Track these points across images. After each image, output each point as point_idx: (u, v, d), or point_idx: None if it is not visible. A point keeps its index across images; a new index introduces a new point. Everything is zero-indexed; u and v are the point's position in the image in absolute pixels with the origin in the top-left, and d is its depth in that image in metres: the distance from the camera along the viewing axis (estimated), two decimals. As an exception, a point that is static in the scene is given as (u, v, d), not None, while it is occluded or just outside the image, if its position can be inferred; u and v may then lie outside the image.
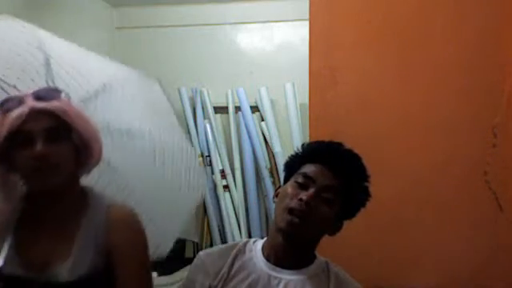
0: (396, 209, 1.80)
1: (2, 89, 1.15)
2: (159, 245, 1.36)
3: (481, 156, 1.73)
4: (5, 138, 0.99)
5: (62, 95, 1.07)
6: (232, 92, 3.38)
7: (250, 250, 1.15)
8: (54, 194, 1.05)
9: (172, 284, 2.47)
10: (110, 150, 1.19)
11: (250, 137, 3.31)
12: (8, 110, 1.01)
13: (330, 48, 1.85)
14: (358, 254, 1.80)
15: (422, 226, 1.80)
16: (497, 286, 1.74)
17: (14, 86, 1.15)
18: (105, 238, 1.05)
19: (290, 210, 1.05)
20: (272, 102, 3.33)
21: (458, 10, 1.76)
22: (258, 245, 1.16)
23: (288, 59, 3.38)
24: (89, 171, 1.13)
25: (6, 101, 1.03)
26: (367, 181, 1.15)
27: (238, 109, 3.37)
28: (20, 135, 1.00)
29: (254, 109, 3.34)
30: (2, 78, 1.16)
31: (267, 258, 1.12)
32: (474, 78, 1.75)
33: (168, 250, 1.40)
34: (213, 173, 3.36)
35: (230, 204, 3.37)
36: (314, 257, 1.16)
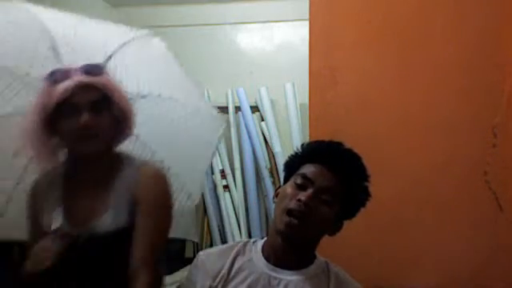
0: (396, 209, 1.80)
1: (17, 78, 1.27)
2: (190, 194, 1.53)
3: (481, 156, 1.73)
4: (52, 108, 1.09)
5: (105, 70, 1.17)
6: (232, 92, 3.38)
7: (250, 251, 1.15)
8: (93, 159, 1.16)
9: (172, 284, 2.46)
10: None
11: (250, 137, 3.31)
12: (55, 82, 1.10)
13: (330, 48, 1.85)
14: (358, 253, 1.80)
15: (422, 226, 1.80)
16: (497, 286, 1.74)
17: (27, 74, 1.26)
18: (135, 192, 1.15)
19: (289, 211, 1.05)
20: (272, 102, 3.33)
21: (458, 10, 1.76)
22: (257, 245, 1.16)
23: (288, 59, 3.38)
24: (124, 140, 1.24)
25: (54, 73, 1.12)
26: (367, 180, 1.15)
27: (238, 109, 3.37)
28: (67, 106, 1.10)
29: (254, 109, 3.34)
30: (15, 70, 1.27)
31: (267, 259, 1.12)
32: (474, 78, 1.75)
33: (197, 199, 1.58)
34: (213, 173, 3.36)
35: (230, 204, 3.37)
36: (314, 257, 1.16)
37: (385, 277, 1.79)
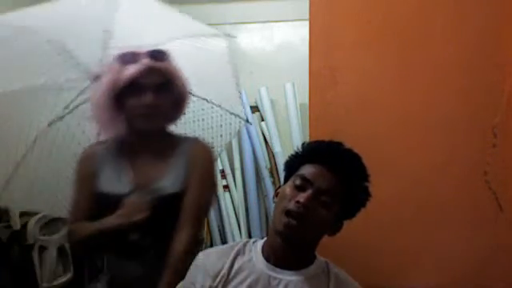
0: (396, 208, 1.80)
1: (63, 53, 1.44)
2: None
3: (481, 156, 1.73)
4: (121, 86, 1.24)
5: (169, 57, 1.31)
6: (232, 92, 3.38)
7: (250, 251, 1.15)
8: (151, 134, 1.32)
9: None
10: None
11: (249, 137, 3.31)
12: (125, 63, 1.25)
13: (330, 48, 1.85)
14: (358, 253, 1.80)
15: (421, 225, 1.80)
16: (497, 286, 1.74)
17: (69, 51, 1.42)
18: (189, 162, 1.34)
19: (288, 212, 1.05)
20: (272, 102, 3.33)
21: (458, 10, 1.76)
22: (257, 245, 1.16)
23: (288, 59, 3.38)
24: (177, 120, 1.40)
25: (124, 55, 1.26)
26: (367, 180, 1.15)
27: (237, 109, 3.37)
28: (134, 86, 1.24)
29: (254, 109, 3.34)
30: (65, 46, 1.43)
31: (267, 259, 1.12)
32: (474, 78, 1.75)
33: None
34: (213, 173, 3.36)
35: (230, 204, 3.37)
36: (314, 257, 1.16)
37: (385, 277, 1.80)
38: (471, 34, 1.75)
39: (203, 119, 1.66)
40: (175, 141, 1.39)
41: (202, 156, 1.37)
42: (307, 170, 1.09)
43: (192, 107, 1.62)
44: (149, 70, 1.25)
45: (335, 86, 1.84)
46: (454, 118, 1.77)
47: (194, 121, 1.67)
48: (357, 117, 1.84)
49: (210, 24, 3.70)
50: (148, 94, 1.25)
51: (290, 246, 1.09)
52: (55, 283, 2.46)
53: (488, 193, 1.73)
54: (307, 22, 1.85)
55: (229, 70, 1.59)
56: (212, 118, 1.68)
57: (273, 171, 3.32)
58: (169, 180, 1.31)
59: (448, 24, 1.77)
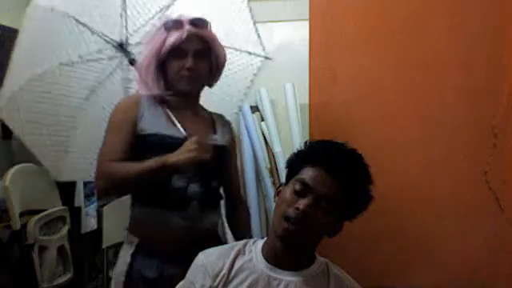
0: (396, 208, 1.80)
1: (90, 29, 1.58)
2: None
3: (481, 156, 1.73)
4: (166, 51, 1.35)
5: (209, 25, 1.42)
6: (232, 92, 3.38)
7: (250, 251, 1.15)
8: (191, 95, 1.45)
9: (172, 284, 2.47)
10: None
11: (250, 137, 3.31)
12: (170, 29, 1.36)
13: (330, 48, 1.85)
14: (358, 253, 1.80)
15: (421, 225, 1.80)
16: (497, 286, 1.74)
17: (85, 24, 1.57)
18: (228, 134, 1.52)
19: (287, 218, 1.05)
20: (272, 102, 3.33)
21: (458, 10, 1.76)
22: (257, 245, 1.16)
23: (288, 59, 3.38)
24: (214, 83, 1.51)
25: (168, 22, 1.37)
26: (369, 183, 1.14)
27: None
28: (176, 51, 1.36)
29: (254, 109, 3.34)
30: (89, 23, 1.58)
31: (267, 259, 1.11)
32: (474, 78, 1.75)
33: None
34: (213, 173, 3.36)
35: (230, 204, 3.37)
36: (314, 257, 1.16)
37: (385, 277, 1.80)
38: (471, 34, 1.75)
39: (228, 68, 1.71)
40: (205, 109, 1.54)
41: (235, 137, 1.58)
42: (308, 173, 1.08)
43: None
44: (190, 37, 1.36)
45: (335, 86, 1.84)
46: (453, 118, 1.77)
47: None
48: (357, 117, 1.84)
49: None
50: (189, 58, 1.36)
51: (290, 248, 1.09)
52: (55, 283, 2.46)
53: (488, 193, 1.73)
54: (307, 22, 1.85)
55: (247, 13, 1.81)
56: (234, 62, 1.78)
57: (273, 171, 3.31)
58: (218, 135, 1.45)
59: (448, 24, 1.77)
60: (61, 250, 2.53)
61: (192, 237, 1.33)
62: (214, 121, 1.50)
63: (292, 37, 3.44)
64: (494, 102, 1.72)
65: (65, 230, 2.56)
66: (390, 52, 1.81)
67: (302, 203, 1.04)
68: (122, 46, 1.68)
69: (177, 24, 1.36)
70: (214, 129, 1.48)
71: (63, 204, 2.60)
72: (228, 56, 1.56)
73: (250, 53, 1.77)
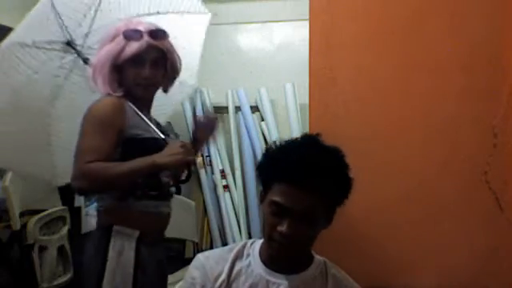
0: (396, 208, 1.80)
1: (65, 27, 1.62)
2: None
3: (481, 156, 1.73)
4: (124, 59, 1.44)
5: (167, 36, 1.51)
6: (232, 92, 3.38)
7: (248, 255, 1.14)
8: (148, 100, 1.56)
9: (172, 284, 2.47)
10: None
11: (249, 137, 3.31)
12: (129, 39, 1.44)
13: (330, 48, 1.85)
14: (358, 253, 1.80)
15: (421, 225, 1.80)
16: (497, 286, 1.74)
17: (80, 24, 1.65)
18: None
19: (273, 240, 1.05)
20: (272, 102, 3.33)
21: (458, 10, 1.76)
22: (255, 248, 1.15)
23: (288, 59, 3.38)
24: (168, 88, 1.62)
25: (128, 31, 1.45)
26: (347, 175, 1.11)
27: (238, 109, 3.37)
28: (135, 59, 1.45)
29: (254, 109, 3.34)
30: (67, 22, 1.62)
31: (265, 263, 1.11)
32: (474, 78, 1.75)
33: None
34: (213, 173, 3.36)
35: (230, 204, 3.37)
36: (312, 257, 1.16)
37: (385, 277, 1.79)
38: (471, 34, 1.75)
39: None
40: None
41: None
42: (281, 192, 1.02)
43: None
44: (149, 47, 1.45)
45: (335, 86, 1.84)
46: (453, 117, 1.77)
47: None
48: (357, 117, 1.84)
49: (210, 24, 3.71)
50: (147, 68, 1.45)
51: (286, 254, 1.08)
52: (55, 283, 2.46)
53: (488, 193, 1.73)
54: (307, 22, 1.85)
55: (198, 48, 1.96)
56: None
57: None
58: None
59: (448, 24, 1.77)
60: (61, 249, 2.53)
61: (167, 221, 1.57)
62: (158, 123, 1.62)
63: (292, 37, 3.45)
64: (494, 102, 1.72)
65: (65, 229, 2.57)
66: (390, 52, 1.81)
67: (283, 226, 1.01)
68: (69, 44, 1.70)
69: (136, 34, 1.45)
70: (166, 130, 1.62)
71: (63, 204, 2.60)
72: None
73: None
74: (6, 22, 2.53)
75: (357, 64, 1.83)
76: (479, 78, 1.74)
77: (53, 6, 1.57)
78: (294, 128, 3.30)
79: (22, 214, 2.37)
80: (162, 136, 1.49)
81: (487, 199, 1.73)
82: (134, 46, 1.44)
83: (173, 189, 1.57)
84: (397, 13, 1.80)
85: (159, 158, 1.38)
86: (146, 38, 1.45)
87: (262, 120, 3.35)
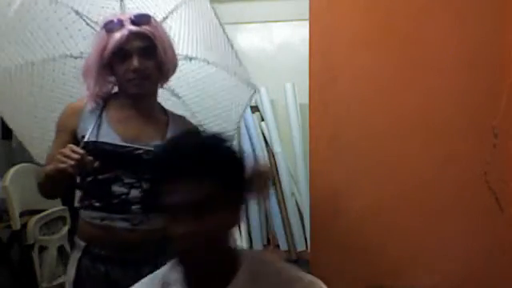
0: (396, 208, 1.80)
1: (88, 24, 1.50)
2: None
3: (481, 156, 1.73)
4: (109, 54, 1.28)
5: (152, 20, 1.33)
6: (232, 92, 3.38)
7: (176, 281, 0.98)
8: (142, 96, 1.36)
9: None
10: (173, 77, 1.47)
11: (250, 137, 3.31)
12: (111, 31, 1.29)
13: (330, 48, 1.85)
14: (358, 253, 1.80)
15: (421, 225, 1.80)
16: (497, 286, 1.74)
17: (96, 23, 1.47)
18: None
19: (175, 242, 0.91)
20: (272, 102, 3.33)
21: (458, 10, 1.76)
22: (174, 275, 0.98)
23: (288, 59, 3.38)
24: (166, 82, 1.43)
25: (109, 22, 1.30)
26: (223, 156, 0.94)
27: (237, 109, 3.37)
28: (121, 52, 1.29)
29: (254, 109, 3.34)
30: (88, 15, 1.49)
31: (189, 285, 0.96)
32: (474, 78, 1.75)
33: None
34: (213, 173, 3.35)
35: (230, 204, 3.36)
36: (236, 262, 0.97)
37: (385, 277, 1.79)
38: (471, 35, 1.75)
39: (223, 90, 1.66)
40: (165, 110, 1.46)
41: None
42: (166, 192, 0.90)
43: (210, 77, 1.65)
44: (132, 35, 1.28)
45: (335, 86, 1.84)
46: (454, 118, 1.77)
47: (214, 91, 1.67)
48: (357, 117, 1.84)
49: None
50: (134, 59, 1.28)
51: (200, 270, 0.93)
52: (55, 283, 2.46)
53: (488, 193, 1.73)
54: (307, 22, 1.85)
55: (222, 33, 1.61)
56: (229, 88, 1.67)
57: (273, 171, 3.32)
58: (161, 140, 1.33)
59: (448, 24, 1.77)
60: (61, 249, 2.53)
61: (136, 239, 1.31)
62: (167, 123, 1.41)
63: (292, 37, 3.44)
64: (494, 102, 1.72)
65: (65, 229, 2.57)
66: (389, 52, 1.81)
67: (182, 228, 0.88)
68: None
69: (117, 24, 1.29)
70: (165, 133, 1.38)
71: (63, 204, 2.60)
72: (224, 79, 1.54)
73: (246, 82, 1.68)
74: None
75: (357, 64, 1.83)
76: (479, 78, 1.75)
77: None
78: (294, 128, 3.30)
79: (21, 214, 2.37)
80: (117, 138, 1.31)
81: (487, 199, 1.73)
82: (115, 38, 1.27)
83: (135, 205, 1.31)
84: (397, 13, 1.80)
85: (49, 165, 1.23)
86: (127, 26, 1.28)
87: (262, 120, 3.35)
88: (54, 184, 1.28)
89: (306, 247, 3.25)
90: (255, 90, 1.68)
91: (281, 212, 3.27)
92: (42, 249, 2.42)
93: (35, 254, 2.37)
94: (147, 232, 1.32)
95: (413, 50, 1.79)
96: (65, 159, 1.19)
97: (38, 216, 2.40)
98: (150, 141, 1.33)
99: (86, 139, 1.30)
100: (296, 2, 3.05)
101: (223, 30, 1.57)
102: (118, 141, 1.32)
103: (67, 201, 2.62)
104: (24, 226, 2.34)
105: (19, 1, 1.43)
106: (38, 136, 1.58)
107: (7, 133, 2.68)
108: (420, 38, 1.79)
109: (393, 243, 1.82)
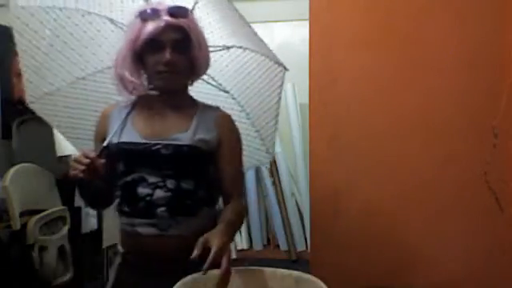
0: (396, 208, 1.80)
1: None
2: (268, 149, 1.67)
3: (481, 156, 1.73)
4: (142, 43, 1.23)
5: (189, 13, 1.28)
6: (232, 92, 3.38)
7: None
8: (172, 92, 1.31)
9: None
10: (216, 71, 1.44)
11: (250, 137, 3.30)
12: (146, 20, 1.23)
13: (330, 48, 1.85)
14: (358, 253, 1.80)
15: (421, 225, 1.80)
16: (497, 286, 1.74)
17: (122, 18, 1.43)
18: (216, 128, 1.33)
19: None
20: (272, 102, 3.32)
21: (458, 10, 1.76)
22: None
23: (288, 59, 3.37)
24: (197, 79, 1.37)
25: (144, 11, 1.25)
26: None
27: (238, 109, 3.37)
28: (154, 43, 1.23)
29: (254, 109, 3.33)
30: (122, 21, 1.43)
31: None
32: (474, 78, 1.75)
33: (273, 156, 1.70)
34: (213, 173, 3.35)
35: (230, 204, 3.36)
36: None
37: (385, 277, 1.79)
38: (471, 35, 1.75)
39: (260, 76, 1.59)
40: (196, 103, 1.39)
41: (232, 127, 1.38)
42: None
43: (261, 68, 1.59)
44: (168, 27, 1.23)
45: (335, 86, 1.84)
46: (454, 118, 1.77)
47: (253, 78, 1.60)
48: (357, 117, 1.84)
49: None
50: (167, 52, 1.23)
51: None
52: (55, 283, 2.45)
53: (488, 193, 1.73)
54: (307, 22, 1.85)
55: (239, 17, 1.52)
56: (265, 72, 1.59)
57: (273, 171, 3.32)
58: (189, 133, 1.28)
59: (448, 25, 1.77)
60: (61, 249, 2.53)
61: (165, 247, 1.24)
62: (193, 117, 1.34)
63: (292, 37, 3.44)
64: (494, 102, 1.72)
65: (65, 229, 2.56)
66: (389, 52, 1.81)
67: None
68: None
69: (153, 13, 1.23)
70: (189, 126, 1.31)
71: (63, 204, 2.60)
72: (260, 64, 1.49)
73: (277, 63, 1.59)
74: (5, 22, 2.53)
75: (357, 64, 1.83)
76: (479, 78, 1.75)
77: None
78: (294, 128, 3.30)
79: (21, 214, 2.37)
80: (138, 137, 1.28)
81: (487, 199, 1.73)
82: (150, 27, 1.22)
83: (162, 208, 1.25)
84: (397, 13, 1.80)
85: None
86: (164, 16, 1.22)
87: (262, 120, 3.34)
88: (82, 190, 1.27)
89: (306, 247, 3.25)
90: (285, 68, 1.59)
91: (281, 212, 3.27)
92: (42, 249, 2.42)
93: (35, 254, 2.36)
94: (177, 238, 1.24)
95: (413, 50, 1.79)
96: (75, 165, 1.16)
97: (37, 216, 2.40)
98: (170, 135, 1.27)
99: (106, 142, 1.27)
100: (296, 2, 3.05)
101: (238, 13, 1.51)
102: (137, 139, 1.27)
103: (67, 201, 2.62)
104: (24, 226, 2.34)
105: (52, 19, 1.41)
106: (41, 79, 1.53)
107: (7, 133, 2.68)
108: (420, 38, 1.79)
109: (393, 243, 1.82)
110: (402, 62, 1.80)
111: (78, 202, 2.67)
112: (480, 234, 1.76)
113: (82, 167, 1.15)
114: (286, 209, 3.29)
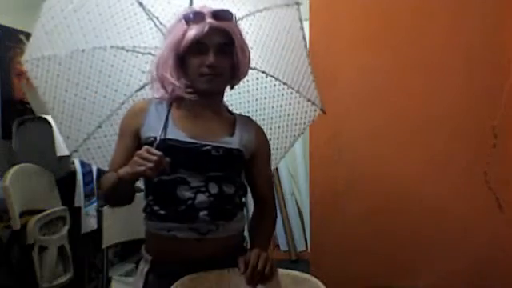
0: (396, 208, 1.80)
1: (150, 18, 1.45)
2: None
3: (481, 156, 1.73)
4: (186, 46, 1.24)
5: (234, 17, 1.28)
6: (232, 92, 3.38)
7: None
8: (211, 94, 1.31)
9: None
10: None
11: (250, 137, 3.30)
12: (190, 22, 1.24)
13: (330, 48, 1.85)
14: (358, 253, 1.80)
15: (421, 225, 1.80)
16: (496, 286, 1.74)
17: (158, 18, 1.44)
18: (256, 137, 1.36)
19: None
20: (272, 102, 3.32)
21: (458, 10, 1.76)
22: None
23: (288, 59, 3.37)
24: (238, 83, 1.38)
25: (188, 15, 1.25)
26: None
27: (238, 109, 3.36)
28: (197, 46, 1.24)
29: (254, 109, 3.33)
30: (151, 9, 1.44)
31: None
32: (474, 79, 1.75)
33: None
34: (213, 173, 3.35)
35: (230, 204, 3.36)
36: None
37: (385, 277, 1.79)
38: (471, 35, 1.75)
39: (281, 105, 1.59)
40: (229, 109, 1.43)
41: (265, 136, 1.43)
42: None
43: (268, 89, 1.59)
44: (212, 30, 1.23)
45: (335, 86, 1.84)
46: (454, 118, 1.77)
47: (271, 106, 1.60)
48: (357, 117, 1.84)
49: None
50: (211, 54, 1.24)
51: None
52: (55, 283, 2.45)
53: (488, 193, 1.73)
54: (307, 22, 1.85)
55: (303, 49, 1.48)
56: (290, 104, 1.58)
57: (273, 171, 3.31)
58: (236, 138, 1.31)
59: (448, 24, 1.77)
60: (61, 249, 2.53)
61: (204, 251, 1.23)
62: (235, 121, 1.37)
63: (292, 37, 3.44)
64: (494, 102, 1.72)
65: (65, 229, 2.56)
66: (389, 52, 1.81)
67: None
68: None
69: (198, 16, 1.24)
70: (233, 130, 1.34)
71: (63, 204, 2.60)
72: (286, 97, 1.51)
73: (311, 102, 1.57)
74: (6, 23, 2.52)
75: (357, 64, 1.83)
76: (479, 78, 1.75)
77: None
78: (294, 128, 3.29)
79: (21, 214, 2.37)
80: (183, 135, 1.26)
81: (487, 199, 1.73)
82: (194, 29, 1.22)
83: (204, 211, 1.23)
84: (397, 13, 1.80)
85: (124, 168, 1.17)
86: (208, 19, 1.23)
87: (262, 120, 3.34)
88: (125, 189, 1.22)
89: (306, 247, 3.25)
90: (320, 109, 1.59)
91: (281, 212, 3.27)
92: (42, 249, 2.42)
93: (35, 254, 2.36)
94: (215, 241, 1.24)
95: (413, 50, 1.79)
96: (142, 161, 1.11)
97: (38, 216, 2.40)
98: (218, 138, 1.28)
99: (158, 137, 1.23)
100: (296, 2, 3.05)
101: (306, 47, 1.48)
102: (184, 137, 1.26)
103: (67, 201, 2.62)
104: (24, 226, 2.34)
105: None
106: (74, 126, 1.50)
107: (7, 133, 2.68)
108: (420, 38, 1.79)
109: (393, 243, 1.82)
110: (402, 63, 1.81)
111: (78, 201, 2.67)
112: (480, 234, 1.76)
113: (151, 164, 1.11)
114: (285, 209, 3.29)
